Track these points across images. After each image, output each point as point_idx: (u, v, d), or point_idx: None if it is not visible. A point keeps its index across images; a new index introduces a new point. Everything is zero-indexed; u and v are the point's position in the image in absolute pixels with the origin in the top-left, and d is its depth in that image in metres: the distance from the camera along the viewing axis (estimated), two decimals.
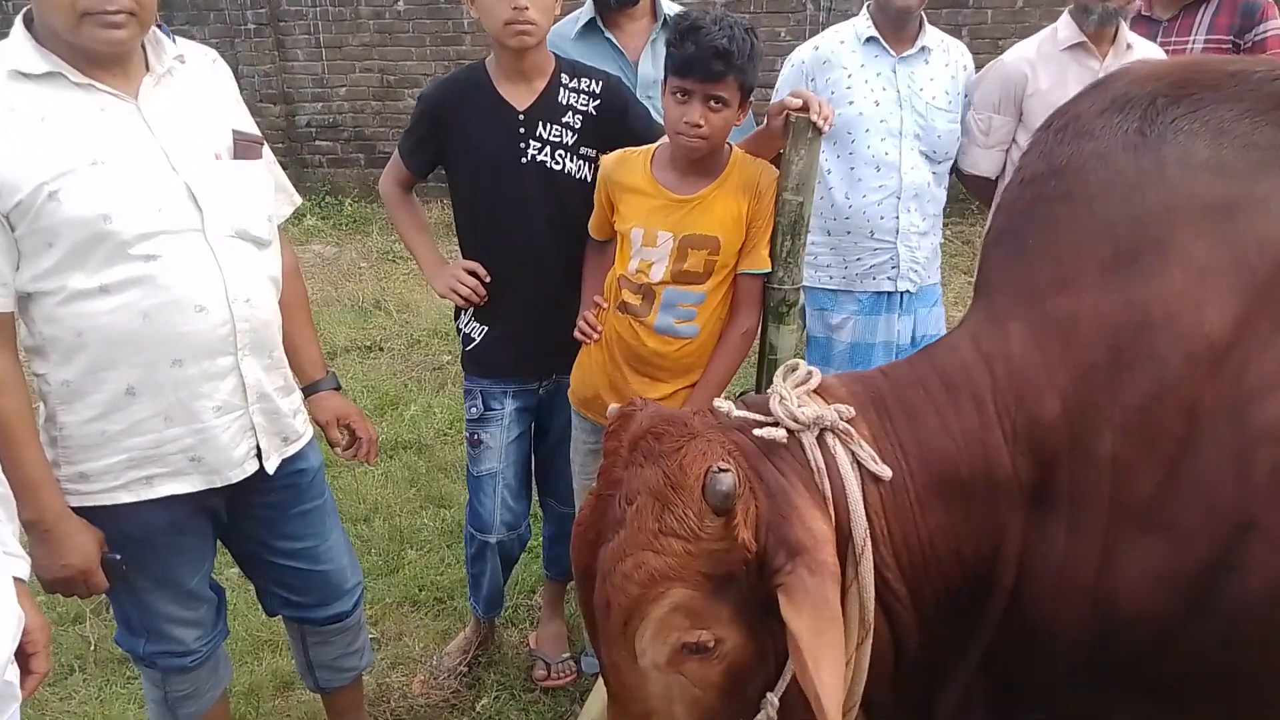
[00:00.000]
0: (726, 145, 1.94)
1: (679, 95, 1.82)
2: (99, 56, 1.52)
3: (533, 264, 2.19)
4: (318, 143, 7.49)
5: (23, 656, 1.30)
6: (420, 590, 2.89)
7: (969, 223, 5.78)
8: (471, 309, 2.27)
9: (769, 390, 1.34)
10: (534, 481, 2.51)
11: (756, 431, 1.27)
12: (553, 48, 2.22)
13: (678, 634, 1.20)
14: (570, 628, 2.63)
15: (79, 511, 1.60)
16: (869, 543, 1.25)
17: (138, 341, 1.55)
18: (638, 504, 1.20)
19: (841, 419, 1.28)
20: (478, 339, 2.30)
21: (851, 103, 2.52)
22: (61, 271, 1.51)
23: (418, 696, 2.47)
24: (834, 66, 2.55)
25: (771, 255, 1.90)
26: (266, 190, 1.75)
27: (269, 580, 1.93)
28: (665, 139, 1.95)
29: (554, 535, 2.58)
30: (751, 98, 1.88)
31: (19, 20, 1.54)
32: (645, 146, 2.00)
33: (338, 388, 1.99)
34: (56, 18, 1.46)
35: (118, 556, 1.63)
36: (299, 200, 1.93)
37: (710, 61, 1.77)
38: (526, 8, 1.98)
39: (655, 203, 1.92)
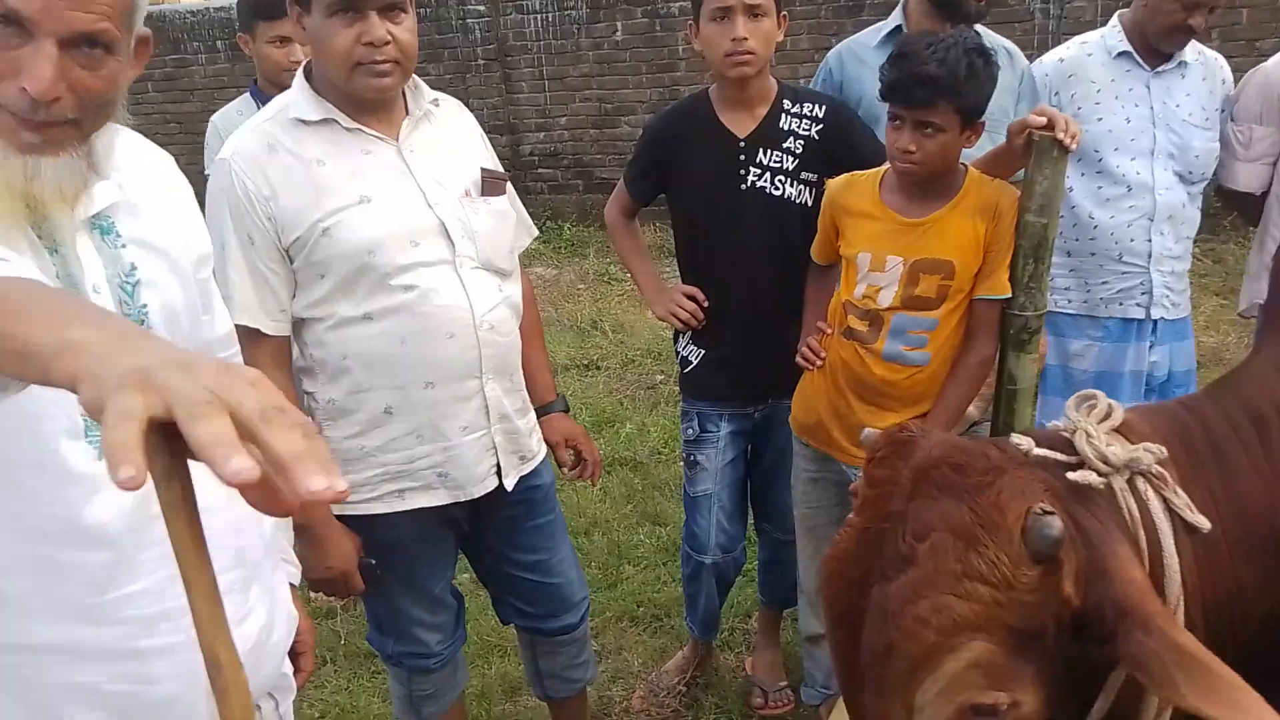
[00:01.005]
0: (961, 165, 1.87)
1: (894, 121, 1.78)
2: (368, 103, 1.66)
3: (751, 288, 2.20)
4: (539, 170, 7.86)
5: (293, 654, 1.42)
6: (638, 606, 2.95)
7: (1220, 240, 5.25)
8: (689, 332, 2.30)
9: (1062, 425, 1.23)
10: (750, 505, 2.51)
11: (1071, 475, 1.14)
12: (850, 56, 2.22)
13: (969, 693, 1.05)
14: (786, 655, 2.60)
15: (339, 519, 1.75)
16: (1182, 602, 1.11)
17: (396, 365, 1.67)
18: (933, 541, 1.06)
19: (1155, 461, 1.15)
20: (695, 362, 2.33)
21: (1100, 119, 2.37)
22: (331, 300, 1.66)
23: (638, 713, 2.52)
24: (1081, 80, 2.41)
25: (1012, 279, 1.81)
26: (510, 224, 1.85)
27: (504, 590, 2.03)
28: None
29: (769, 561, 2.56)
30: (984, 118, 1.80)
31: (299, 72, 1.72)
32: (873, 169, 1.96)
33: (567, 410, 2.08)
34: (333, 68, 1.62)
35: (373, 561, 1.78)
36: (535, 233, 2.04)
37: (913, 89, 1.72)
38: (746, 39, 2.00)
39: (884, 226, 1.88)
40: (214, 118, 2.87)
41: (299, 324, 1.71)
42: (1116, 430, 1.21)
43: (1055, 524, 1.01)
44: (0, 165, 1.00)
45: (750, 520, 2.53)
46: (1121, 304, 2.47)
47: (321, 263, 1.64)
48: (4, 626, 1.06)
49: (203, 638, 0.59)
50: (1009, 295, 1.81)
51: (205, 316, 1.31)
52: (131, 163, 1.18)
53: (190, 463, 0.56)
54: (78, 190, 1.07)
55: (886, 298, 1.87)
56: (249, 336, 1.63)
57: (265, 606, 1.26)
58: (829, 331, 2.00)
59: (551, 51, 7.53)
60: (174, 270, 1.18)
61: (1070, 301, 2.53)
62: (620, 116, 7.38)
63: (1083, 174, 2.44)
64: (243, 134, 1.68)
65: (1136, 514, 1.14)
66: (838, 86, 2.32)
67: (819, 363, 2.01)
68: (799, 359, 2.06)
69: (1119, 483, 1.15)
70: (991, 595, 1.02)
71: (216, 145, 2.75)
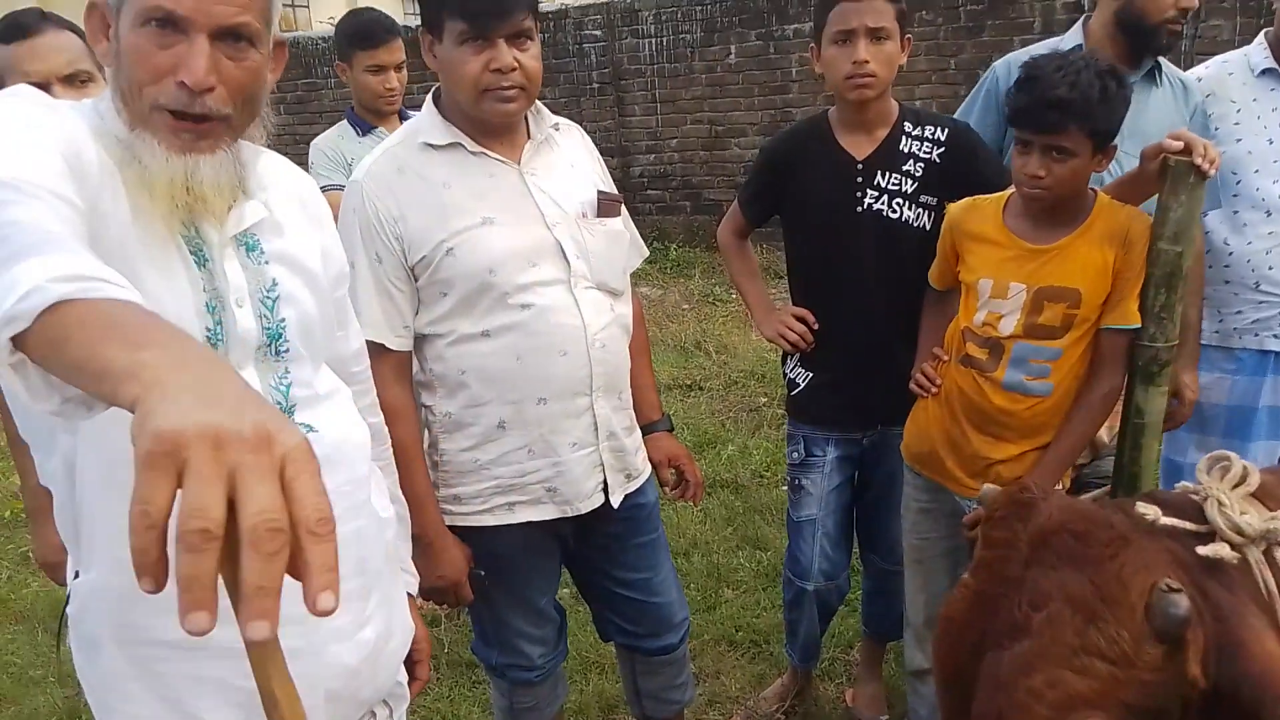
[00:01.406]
0: (1090, 190, 1.80)
1: (1020, 145, 1.73)
2: (493, 127, 1.71)
3: (864, 312, 2.16)
4: (648, 191, 7.94)
5: (409, 663, 1.45)
6: (737, 630, 2.92)
7: None
8: (798, 354, 2.28)
9: (1192, 487, 1.16)
10: (855, 533, 2.46)
11: (1201, 550, 1.09)
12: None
13: None
14: (888, 689, 2.53)
15: (451, 530, 1.79)
16: None
17: (511, 381, 1.71)
18: (1050, 612, 1.03)
19: None
20: (802, 385, 2.30)
21: (1239, 140, 2.25)
22: (452, 317, 1.71)
23: None
24: (1220, 100, 2.29)
25: (1142, 309, 1.73)
26: (624, 244, 1.88)
27: (605, 607, 2.04)
28: None
29: (874, 591, 2.51)
30: (1115, 141, 1.74)
31: (429, 99, 1.78)
32: (997, 194, 1.91)
33: (671, 429, 2.09)
34: (462, 94, 1.67)
35: (482, 572, 1.81)
36: (646, 253, 2.05)
37: (1044, 113, 1.66)
38: (867, 61, 1.98)
39: (1007, 252, 1.83)
40: (315, 141, 3.02)
41: (420, 340, 1.76)
42: (1253, 495, 1.15)
43: (1182, 602, 0.98)
44: (164, 167, 1.06)
45: (856, 548, 2.49)
46: (1257, 335, 2.33)
47: (445, 281, 1.69)
48: (142, 623, 1.12)
49: (257, 672, 0.60)
50: (1138, 326, 1.74)
51: (340, 332, 1.36)
52: (278, 184, 1.25)
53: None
54: (233, 188, 1.13)
55: (1008, 325, 1.81)
56: (374, 351, 1.69)
57: (383, 615, 1.30)
58: (945, 358, 1.95)
59: (665, 75, 7.62)
60: (312, 286, 1.24)
61: (1201, 332, 2.41)
62: (730, 138, 7.40)
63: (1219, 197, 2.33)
64: (375, 156, 1.75)
65: (1275, 588, 1.08)
66: (1003, 96, 2.27)
67: (934, 390, 1.96)
68: (913, 385, 2.02)
69: (1254, 554, 1.09)
70: (1110, 672, 0.99)
71: (320, 164, 2.88)
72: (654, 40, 7.57)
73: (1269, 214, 2.26)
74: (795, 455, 2.35)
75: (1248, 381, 2.37)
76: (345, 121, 3.00)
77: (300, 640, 1.12)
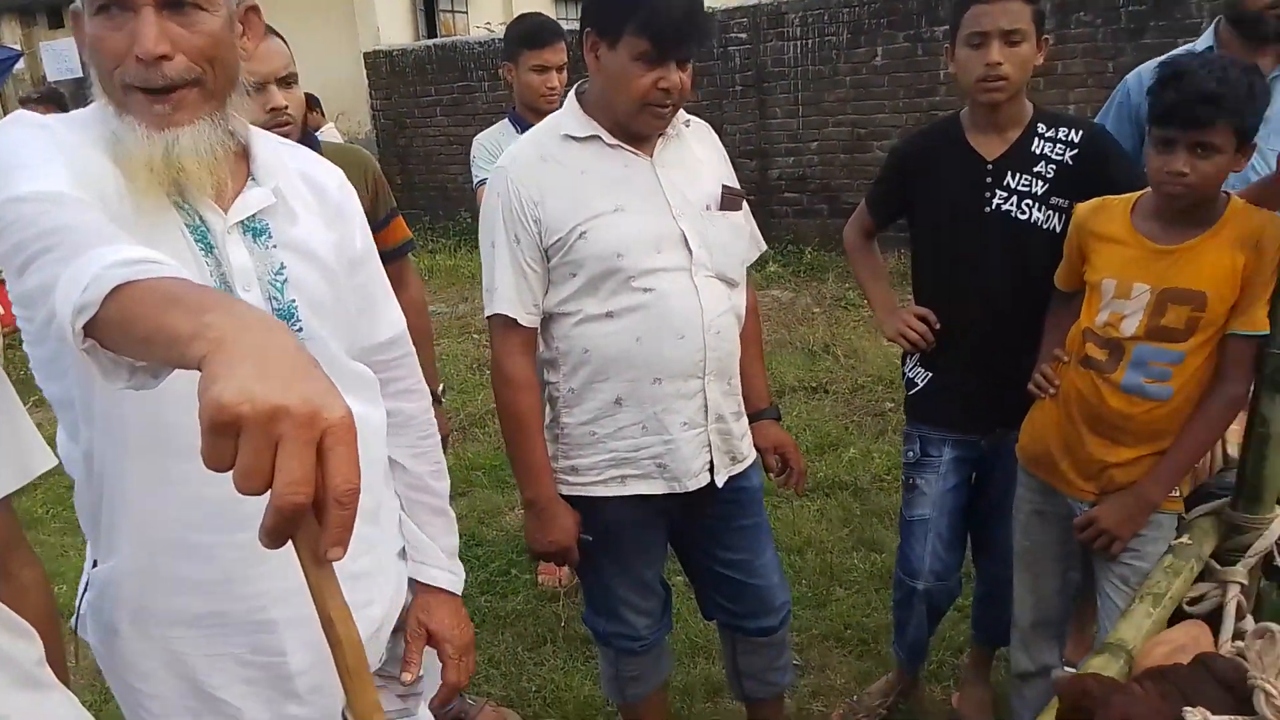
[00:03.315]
0: (1223, 194, 1.75)
1: (1162, 144, 1.70)
2: (637, 134, 1.82)
3: (988, 313, 2.16)
4: (786, 194, 7.94)
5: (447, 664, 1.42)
6: (846, 629, 2.93)
7: None
8: (918, 354, 2.29)
9: (1246, 658, 1.12)
10: (970, 538, 2.44)
11: None
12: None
13: None
14: (996, 696, 2.50)
15: (566, 499, 1.90)
16: None
17: (630, 360, 1.81)
18: None
19: None
20: (920, 384, 2.31)
21: None
22: (579, 297, 1.82)
23: None
24: None
25: (1272, 317, 1.68)
26: (744, 237, 1.95)
27: (708, 585, 2.12)
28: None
29: (984, 596, 2.48)
30: (1256, 140, 1.69)
31: (571, 94, 1.89)
32: (1128, 195, 1.88)
33: (778, 418, 2.15)
34: (624, 103, 1.76)
35: (590, 539, 1.92)
36: (764, 247, 2.12)
37: (1195, 107, 1.63)
38: (1000, 64, 1.98)
39: (1133, 252, 1.80)
40: (478, 137, 3.19)
41: (548, 319, 1.88)
42: None
43: None
44: (145, 145, 1.09)
45: (969, 554, 2.47)
46: None
47: (575, 262, 1.80)
48: (162, 604, 1.19)
49: (315, 597, 0.69)
50: (1266, 332, 1.68)
51: (364, 321, 1.36)
52: (294, 173, 1.28)
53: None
54: (218, 156, 1.14)
55: (1130, 326, 1.79)
56: (506, 325, 1.83)
57: (387, 597, 1.35)
58: (1065, 359, 1.93)
59: (809, 77, 7.60)
60: (322, 271, 1.25)
61: None
62: (874, 141, 7.31)
63: None
64: (520, 144, 1.89)
65: None
66: (1135, 110, 2.23)
67: (1052, 391, 1.95)
68: (1031, 386, 2.00)
69: None
70: None
71: (482, 158, 3.06)
72: (799, 43, 7.56)
73: None
74: (911, 454, 2.36)
75: None
76: (507, 120, 3.16)
77: (308, 609, 1.17)
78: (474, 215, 3.30)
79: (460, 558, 1.55)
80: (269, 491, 0.64)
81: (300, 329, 1.21)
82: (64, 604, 1.28)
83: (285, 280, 1.21)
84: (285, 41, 2.13)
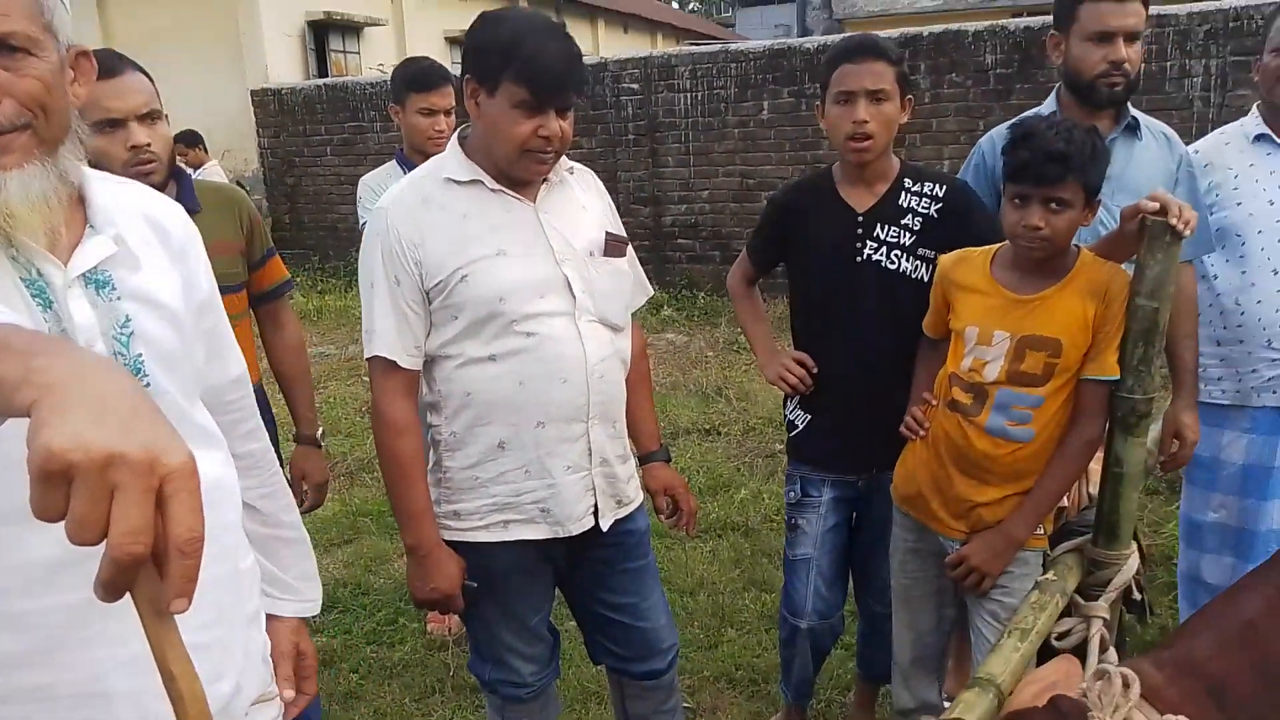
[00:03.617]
0: (1074, 247, 1.88)
1: (1016, 200, 1.82)
2: (518, 180, 1.83)
3: (861, 358, 2.24)
4: (679, 240, 8.09)
5: (300, 679, 1.45)
6: (737, 669, 2.96)
7: None
8: (798, 397, 2.35)
9: (1090, 694, 1.19)
10: (851, 575, 2.50)
11: None
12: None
13: None
14: None
15: (449, 544, 1.87)
16: None
17: (513, 404, 1.81)
18: None
19: None
20: (800, 426, 2.37)
21: (1239, 204, 2.33)
22: (461, 340, 1.81)
23: None
24: (1218, 168, 2.38)
25: (1121, 362, 1.80)
26: (627, 283, 1.98)
27: (594, 630, 2.11)
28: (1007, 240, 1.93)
29: (867, 634, 2.55)
30: (1099, 198, 1.82)
31: (454, 138, 1.90)
32: (987, 247, 1.99)
33: (668, 460, 2.17)
34: (503, 149, 1.77)
35: (474, 584, 1.89)
36: (651, 292, 2.15)
37: (1045, 165, 1.75)
38: (866, 121, 2.08)
39: (994, 301, 1.90)
40: (364, 178, 3.17)
41: (430, 361, 1.87)
42: (1144, 698, 1.17)
43: None
44: None
45: (853, 591, 2.53)
46: (1275, 392, 2.38)
47: (456, 305, 1.79)
48: None
49: (156, 651, 0.65)
50: (1117, 377, 1.80)
51: (211, 364, 1.31)
52: (132, 214, 1.20)
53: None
54: (51, 204, 1.07)
55: (992, 372, 1.88)
56: (386, 367, 1.81)
57: (237, 670, 1.25)
58: (934, 403, 2.02)
59: (699, 129, 7.81)
60: (170, 321, 1.19)
61: (1224, 392, 2.45)
62: (761, 191, 7.55)
63: (1227, 260, 2.39)
64: (401, 186, 1.88)
65: None
66: (991, 170, 2.36)
67: (922, 433, 2.03)
68: (903, 429, 2.08)
69: None
70: None
71: (367, 199, 3.04)
72: (689, 95, 7.78)
73: (1275, 272, 2.32)
74: (792, 495, 2.41)
75: (1264, 440, 2.42)
76: (394, 161, 3.15)
77: (147, 677, 1.04)
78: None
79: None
80: (103, 544, 0.61)
81: (147, 384, 1.14)
82: None
83: (131, 334, 1.14)
84: (149, 76, 2.07)
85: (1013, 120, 2.05)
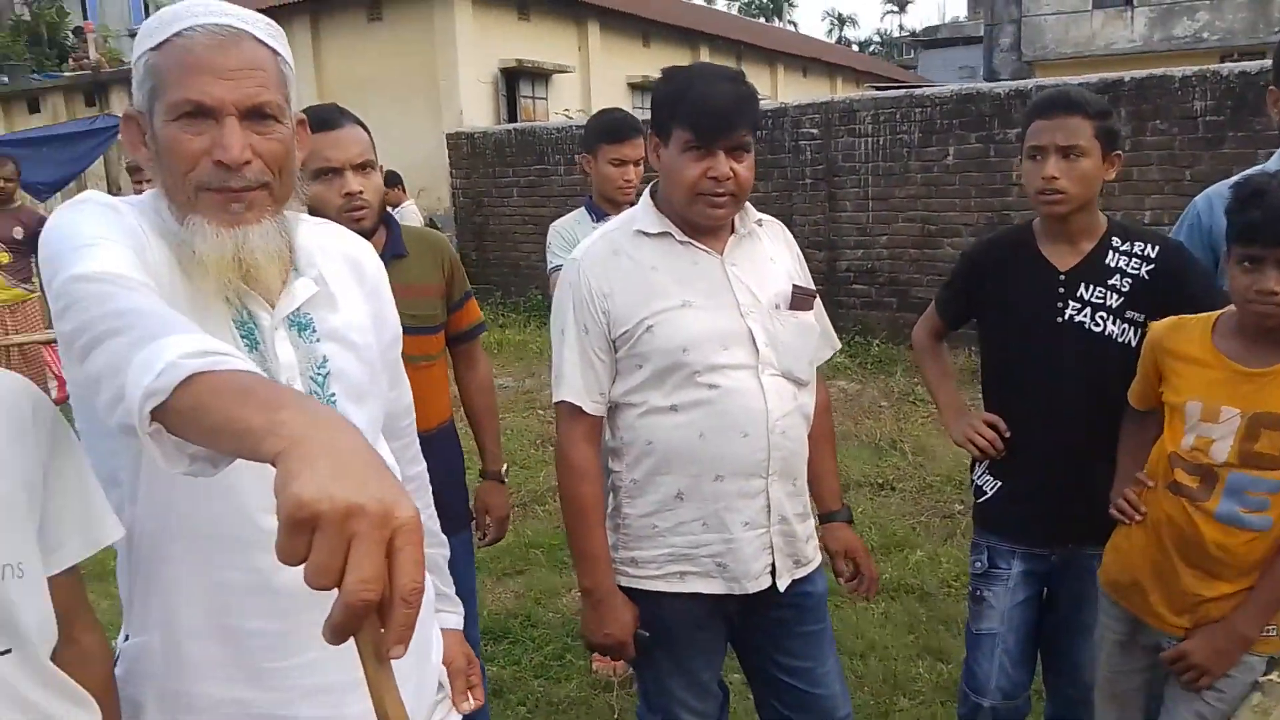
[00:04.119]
0: None
1: (1246, 264, 1.67)
2: (701, 228, 1.85)
3: (1058, 424, 2.10)
4: (853, 286, 7.95)
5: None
6: None
7: None
8: (987, 461, 2.24)
9: None
10: (1040, 654, 2.34)
11: None
12: (1222, 201, 2.16)
13: None
14: None
15: (624, 590, 1.88)
16: None
17: (693, 455, 1.81)
18: None
19: None
20: (989, 493, 2.25)
21: None
22: (644, 389, 1.83)
23: None
24: None
25: None
26: (813, 337, 1.95)
27: (767, 691, 2.06)
28: (1231, 307, 1.78)
29: (1055, 717, 2.37)
30: None
31: (646, 192, 1.94)
32: (1205, 314, 1.84)
33: (850, 521, 2.11)
34: (678, 194, 1.81)
35: (647, 634, 1.89)
36: (838, 345, 2.11)
37: (1278, 225, 1.61)
38: (1056, 178, 1.98)
39: (1217, 374, 1.75)
40: (554, 224, 3.27)
41: (614, 408, 1.90)
42: None
43: None
44: (214, 243, 1.12)
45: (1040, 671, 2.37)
46: None
47: (641, 355, 1.82)
48: (184, 689, 1.18)
49: (374, 694, 0.69)
50: None
51: (392, 393, 1.40)
52: (330, 253, 1.30)
53: None
54: (282, 257, 1.18)
55: (1221, 452, 1.73)
56: (571, 412, 1.85)
57: (415, 681, 1.32)
58: (1150, 484, 1.87)
59: (879, 173, 7.68)
60: (362, 359, 1.27)
61: None
62: (943, 238, 7.32)
63: None
64: (594, 239, 1.93)
65: None
66: (1207, 231, 2.20)
67: (1138, 518, 1.88)
68: (1114, 511, 1.94)
69: None
70: None
71: (557, 245, 3.13)
72: (870, 139, 7.66)
73: None
74: (979, 565, 2.29)
75: None
76: (583, 209, 3.25)
77: (331, 710, 1.17)
78: (544, 293, 3.36)
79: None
80: (334, 586, 0.66)
81: None
82: None
83: (328, 373, 1.22)
84: (366, 129, 2.22)
85: (1235, 178, 1.89)
